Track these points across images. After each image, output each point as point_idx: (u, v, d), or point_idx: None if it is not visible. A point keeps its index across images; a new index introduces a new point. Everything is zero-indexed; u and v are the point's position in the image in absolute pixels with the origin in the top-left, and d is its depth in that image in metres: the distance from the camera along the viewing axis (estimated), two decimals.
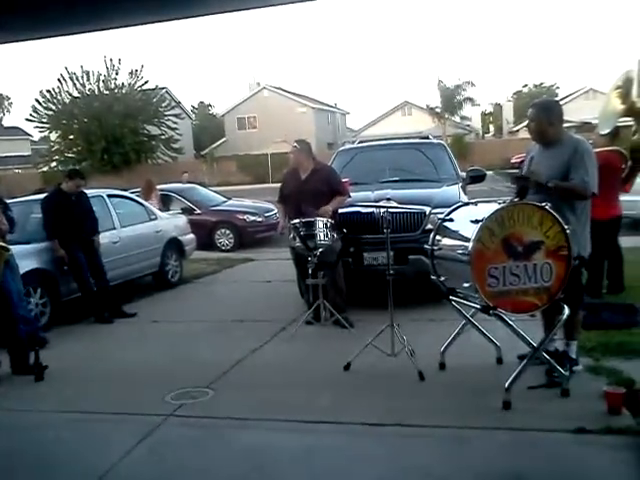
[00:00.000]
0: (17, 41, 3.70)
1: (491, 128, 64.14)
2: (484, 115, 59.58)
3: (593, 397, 3.77)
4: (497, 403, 3.77)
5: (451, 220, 4.35)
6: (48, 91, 36.67)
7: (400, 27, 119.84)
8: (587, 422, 3.46)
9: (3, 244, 5.08)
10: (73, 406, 4.38)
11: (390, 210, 4.92)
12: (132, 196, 9.36)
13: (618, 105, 5.73)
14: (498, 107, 59.61)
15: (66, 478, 3.48)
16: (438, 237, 4.35)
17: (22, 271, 5.78)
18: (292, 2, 3.48)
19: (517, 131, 43.54)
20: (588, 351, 4.52)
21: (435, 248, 4.33)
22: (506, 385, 3.78)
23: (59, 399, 4.56)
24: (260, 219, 12.67)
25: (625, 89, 5.70)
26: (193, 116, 56.97)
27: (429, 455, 3.40)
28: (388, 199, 5.13)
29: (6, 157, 45.84)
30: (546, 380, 4.02)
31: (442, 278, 4.32)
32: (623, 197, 6.09)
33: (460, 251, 3.92)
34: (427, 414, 3.81)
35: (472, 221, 3.87)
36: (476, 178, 7.48)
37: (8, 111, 74.45)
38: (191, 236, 9.50)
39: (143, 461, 3.58)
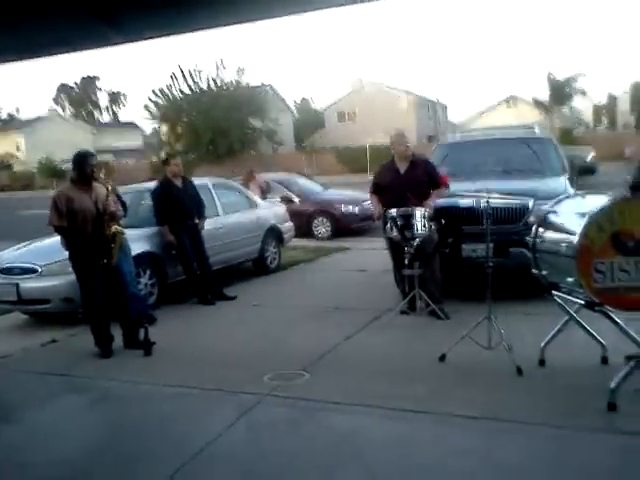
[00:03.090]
0: (132, 41, 3.94)
1: (604, 121, 60.51)
2: (597, 107, 56.29)
3: None
4: (601, 404, 3.59)
5: (556, 213, 4.20)
6: (160, 90, 38.66)
7: (507, 18, 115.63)
8: None
9: (119, 228, 5.45)
10: (178, 381, 4.64)
11: (491, 202, 4.80)
12: (235, 185, 9.70)
13: None
14: (613, 99, 56.13)
15: (168, 448, 3.68)
16: (541, 230, 4.22)
17: (133, 253, 6.13)
18: None
19: (633, 125, 40.90)
20: None
21: (538, 241, 4.20)
22: (612, 385, 3.60)
23: (165, 373, 4.85)
24: (357, 209, 12.72)
25: None
26: (295, 110, 57.94)
27: (524, 452, 3.30)
28: (490, 190, 5.00)
29: (121, 150, 48.83)
30: None
31: (544, 272, 4.19)
32: None
33: (565, 244, 3.78)
34: (525, 410, 3.71)
35: (579, 214, 3.72)
36: (586, 171, 7.12)
37: (124, 106, 79.53)
38: (290, 224, 9.70)
39: (240, 438, 3.74)
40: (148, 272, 6.89)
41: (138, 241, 6.69)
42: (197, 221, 7.30)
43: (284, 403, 4.14)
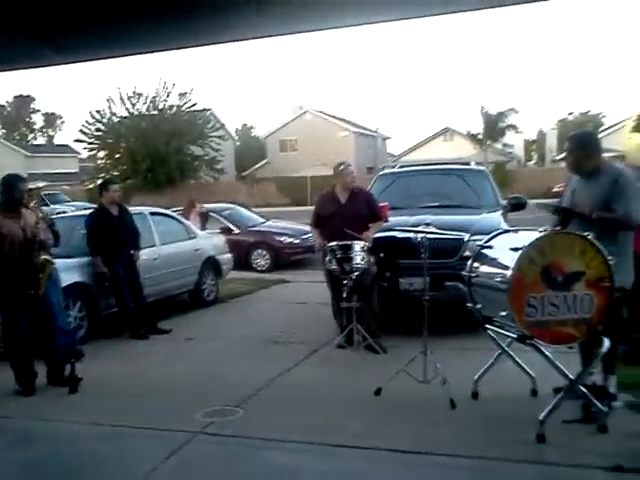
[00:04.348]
0: (76, 62, 3.83)
1: (534, 156, 63.30)
2: (527, 143, 58.86)
3: (633, 435, 3.65)
4: (530, 436, 3.66)
5: (490, 247, 4.29)
6: (98, 112, 37.74)
7: (443, 53, 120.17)
8: (625, 460, 3.33)
9: (48, 257, 5.25)
10: (105, 419, 4.43)
11: (427, 236, 4.88)
12: (173, 214, 9.52)
13: None
14: (542, 135, 58.86)
15: None
16: (476, 264, 4.30)
17: (63, 284, 5.88)
18: (335, 28, 3.54)
19: (560, 160, 42.86)
20: (629, 387, 4.35)
21: (473, 275, 4.27)
22: (540, 417, 3.67)
23: (92, 412, 4.61)
24: (297, 241, 12.71)
25: None
26: (236, 138, 57.95)
27: None
28: (427, 224, 5.10)
29: (55, 174, 47.32)
30: (582, 415, 3.88)
31: (478, 306, 4.26)
32: None
33: (498, 279, 3.86)
34: (457, 443, 3.73)
35: (512, 249, 3.81)
36: (517, 206, 7.37)
37: (60, 129, 77.35)
38: (228, 256, 9.57)
39: (170, 477, 3.60)
40: (78, 304, 6.62)
41: (69, 271, 6.43)
42: (132, 252, 7.09)
43: (217, 441, 4.02)
